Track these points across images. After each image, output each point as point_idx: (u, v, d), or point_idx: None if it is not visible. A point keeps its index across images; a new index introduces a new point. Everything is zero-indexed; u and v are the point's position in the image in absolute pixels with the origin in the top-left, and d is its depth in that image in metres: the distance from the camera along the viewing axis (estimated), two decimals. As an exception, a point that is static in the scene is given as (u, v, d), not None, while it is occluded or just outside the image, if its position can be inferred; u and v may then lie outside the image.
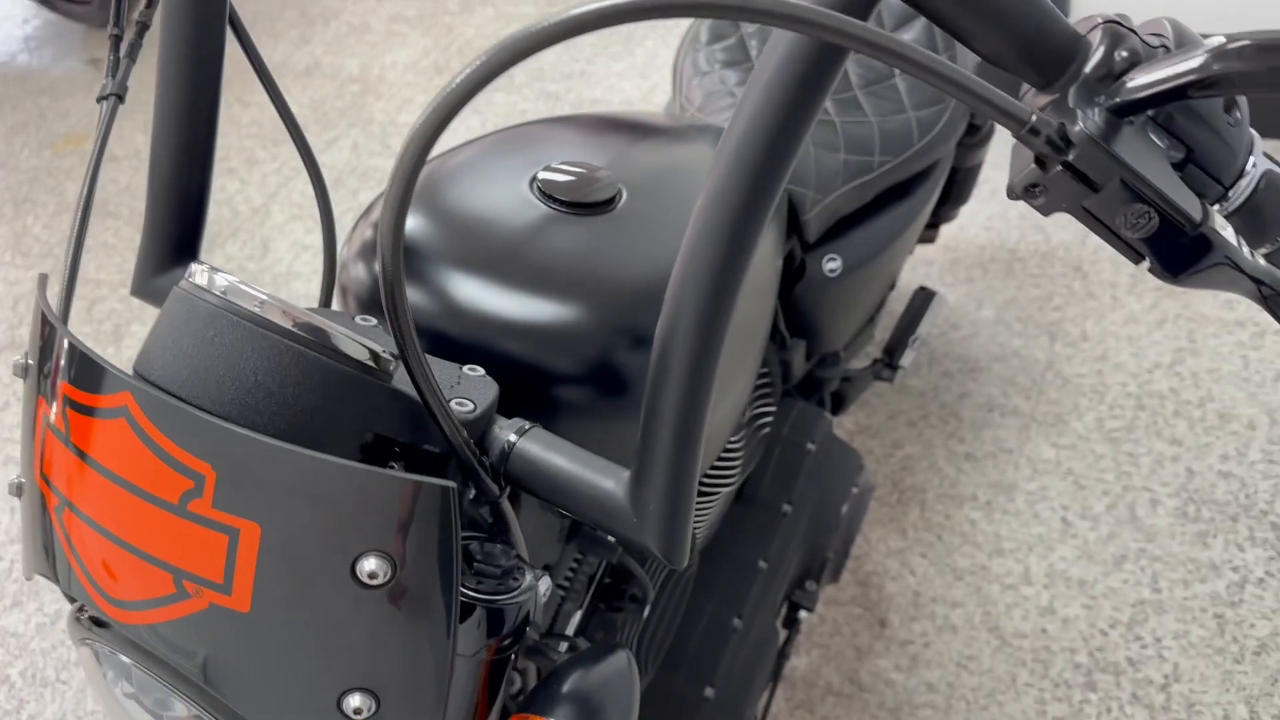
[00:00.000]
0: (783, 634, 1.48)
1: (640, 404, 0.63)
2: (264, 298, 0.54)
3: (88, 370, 0.53)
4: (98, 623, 0.60)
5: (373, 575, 0.52)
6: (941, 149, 1.40)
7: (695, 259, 0.53)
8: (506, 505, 0.63)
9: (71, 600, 0.65)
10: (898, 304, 1.83)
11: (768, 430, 1.32)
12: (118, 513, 0.51)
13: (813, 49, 0.48)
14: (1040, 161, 0.47)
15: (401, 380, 0.57)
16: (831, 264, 1.31)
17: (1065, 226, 2.33)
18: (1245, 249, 0.51)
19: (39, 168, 3.38)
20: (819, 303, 1.35)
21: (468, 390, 0.64)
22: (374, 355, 0.56)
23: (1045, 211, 0.49)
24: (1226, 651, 1.62)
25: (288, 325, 0.53)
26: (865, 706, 1.66)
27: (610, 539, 0.96)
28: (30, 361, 0.59)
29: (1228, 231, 0.50)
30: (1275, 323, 1.93)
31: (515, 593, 0.62)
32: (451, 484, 0.52)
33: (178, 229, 0.75)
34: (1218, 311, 2.09)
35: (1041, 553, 1.79)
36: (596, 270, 0.76)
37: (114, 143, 3.47)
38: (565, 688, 0.63)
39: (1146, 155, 0.47)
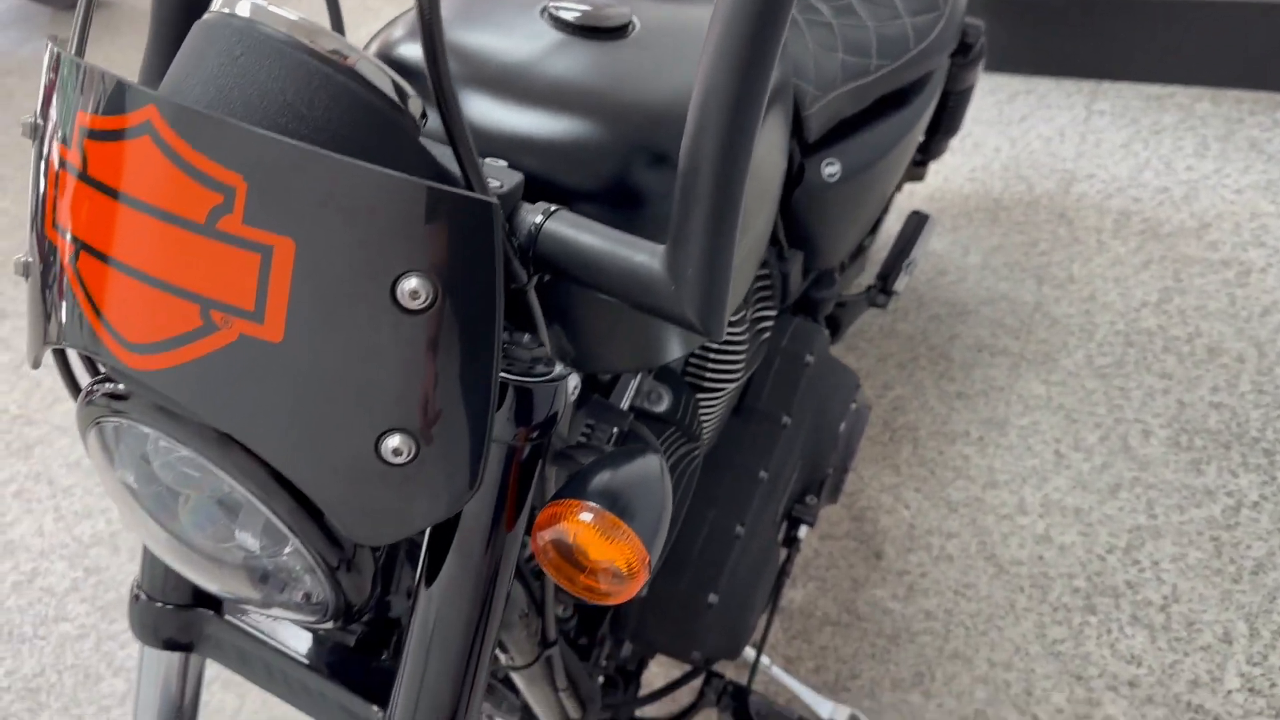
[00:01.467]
0: (783, 554, 1.46)
1: (659, 218, 0.60)
2: (294, 18, 0.51)
3: (107, 92, 0.50)
4: (114, 397, 0.57)
5: (415, 295, 0.49)
6: (936, 58, 1.40)
7: None
8: (533, 294, 0.61)
9: (77, 388, 0.62)
10: (886, 251, 1.82)
11: (768, 336, 1.30)
12: (140, 243, 0.48)
13: None
14: None
15: (429, 143, 0.55)
16: (830, 169, 1.30)
17: (1048, 176, 2.34)
18: None
19: (7, 144, 3.32)
20: (817, 210, 1.34)
21: (492, 175, 0.62)
22: (399, 91, 0.54)
23: None
24: (1224, 572, 1.62)
25: (317, 48, 0.51)
26: (863, 635, 1.64)
27: (622, 408, 0.94)
28: (39, 120, 0.56)
29: None
30: (1260, 262, 1.94)
31: (546, 378, 0.60)
32: (495, 200, 0.50)
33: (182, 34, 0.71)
34: (1202, 252, 2.10)
35: (1036, 484, 1.78)
36: (612, 86, 0.74)
37: None
38: (598, 481, 0.61)
39: None
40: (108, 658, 1.80)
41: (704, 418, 1.19)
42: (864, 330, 2.08)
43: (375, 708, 0.71)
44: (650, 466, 0.63)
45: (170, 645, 0.76)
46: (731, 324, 1.13)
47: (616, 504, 0.60)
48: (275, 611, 0.66)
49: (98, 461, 0.62)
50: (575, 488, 0.61)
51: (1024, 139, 2.45)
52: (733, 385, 1.20)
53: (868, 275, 1.96)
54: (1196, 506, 1.71)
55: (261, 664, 0.75)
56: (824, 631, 1.65)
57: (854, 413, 1.47)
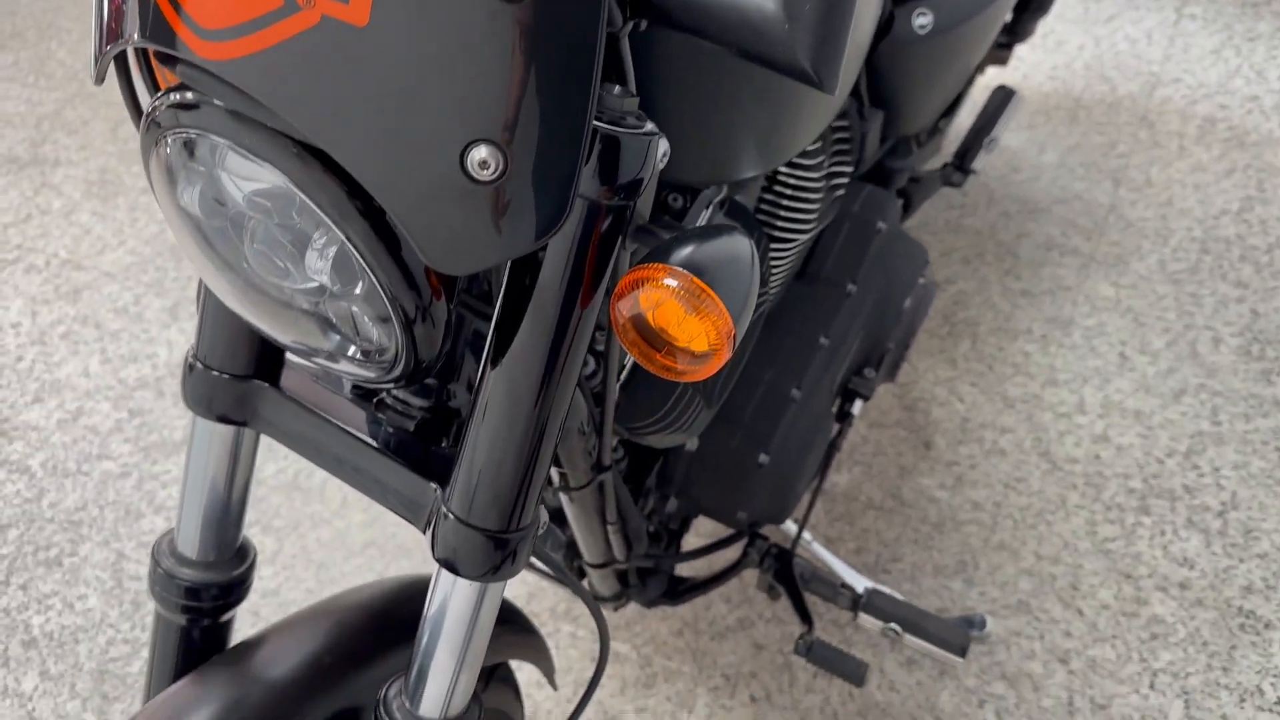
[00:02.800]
0: (835, 428, 1.43)
1: None
2: None
3: None
4: (182, 108, 0.53)
5: None
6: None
7: None
8: (625, 40, 0.56)
9: (140, 110, 0.58)
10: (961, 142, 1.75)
11: (841, 194, 1.25)
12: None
13: None
14: None
15: None
16: (922, 19, 1.23)
17: (1132, 78, 2.24)
18: None
19: (64, -8, 3.28)
20: (903, 65, 1.28)
21: None
22: None
23: None
24: (1287, 482, 1.57)
25: None
26: (907, 521, 1.61)
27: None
28: None
29: None
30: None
31: (638, 130, 0.56)
32: None
33: None
34: (1290, 164, 2.01)
35: (1097, 384, 1.73)
36: None
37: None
38: (685, 250, 0.57)
39: None
40: (149, 496, 1.82)
41: (772, 270, 1.15)
42: (929, 223, 2.01)
43: (433, 485, 0.68)
44: (741, 245, 0.59)
45: (224, 419, 0.74)
46: (807, 166, 1.08)
47: (704, 273, 0.57)
48: (339, 367, 0.63)
49: (161, 191, 0.59)
50: (660, 254, 0.57)
51: (1109, 39, 2.34)
52: (804, 237, 1.15)
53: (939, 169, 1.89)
54: (1263, 416, 1.65)
55: (316, 440, 0.73)
56: (867, 515, 1.63)
57: (921, 288, 1.42)
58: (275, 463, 1.80)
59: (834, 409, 1.38)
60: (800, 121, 0.87)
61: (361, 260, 0.56)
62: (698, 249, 0.58)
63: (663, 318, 0.60)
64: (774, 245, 1.14)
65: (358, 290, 0.58)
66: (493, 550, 0.66)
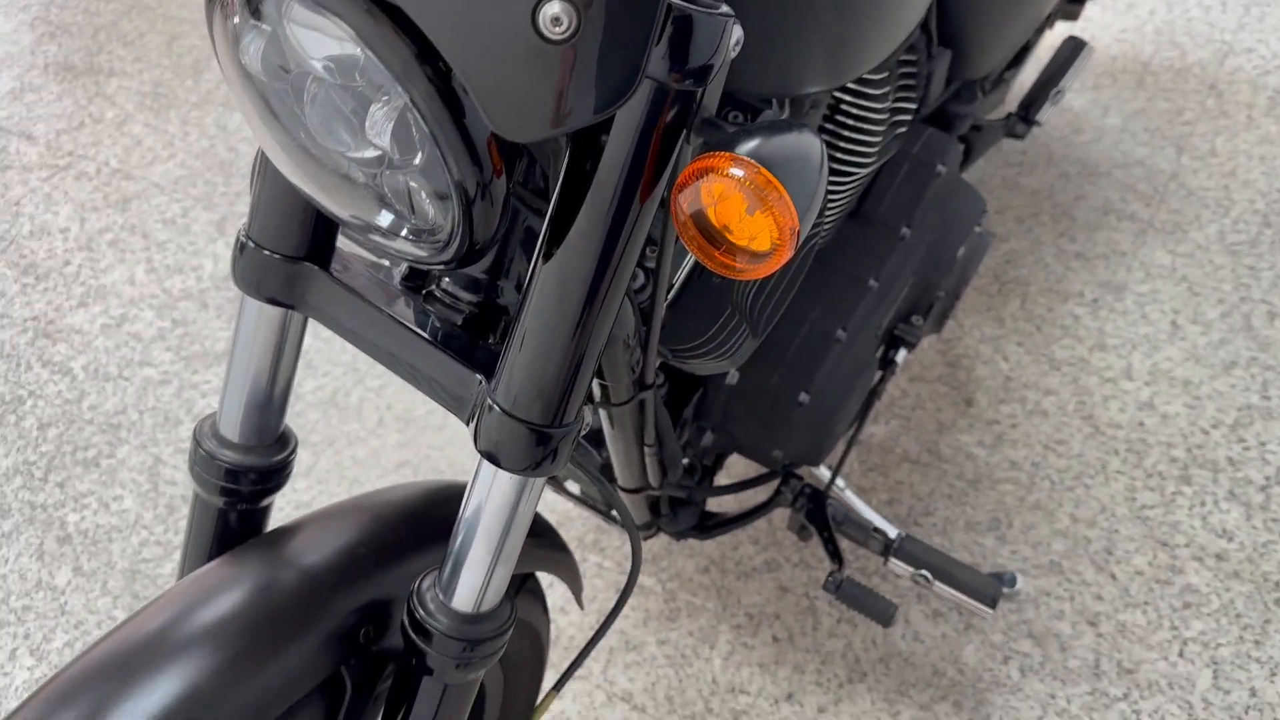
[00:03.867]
0: (877, 375, 1.41)
1: None
2: None
3: None
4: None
5: None
6: None
7: None
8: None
9: None
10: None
11: (903, 132, 1.22)
12: None
13: None
14: None
15: None
16: (997, -44, 1.20)
17: (1203, 45, 2.18)
18: None
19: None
20: (976, 4, 1.24)
21: None
22: None
23: None
24: (1336, 461, 1.54)
25: None
26: (942, 476, 1.60)
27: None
28: None
29: None
30: None
31: (713, 10, 0.54)
32: None
33: None
34: (1363, 140, 1.95)
35: (1146, 351, 1.70)
36: None
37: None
38: (752, 141, 0.55)
39: None
40: (188, 404, 1.83)
41: (827, 206, 1.13)
42: (985, 180, 1.97)
43: (478, 377, 0.68)
44: (811, 142, 0.57)
45: (272, 301, 0.74)
46: (871, 96, 1.05)
47: (772, 166, 0.55)
48: (392, 245, 0.63)
49: (224, 51, 0.58)
50: (727, 145, 0.55)
51: (1182, 4, 2.27)
52: (862, 172, 1.13)
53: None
54: (1317, 394, 1.62)
55: (363, 327, 0.72)
56: (901, 468, 1.61)
57: (976, 237, 1.40)
58: (314, 379, 1.81)
59: (878, 355, 1.36)
60: (872, 35, 0.85)
61: (424, 127, 0.55)
62: (766, 141, 0.56)
63: (725, 213, 0.59)
64: (830, 179, 1.12)
65: (417, 161, 0.57)
66: (535, 444, 0.66)
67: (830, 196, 1.13)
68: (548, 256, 0.62)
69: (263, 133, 0.61)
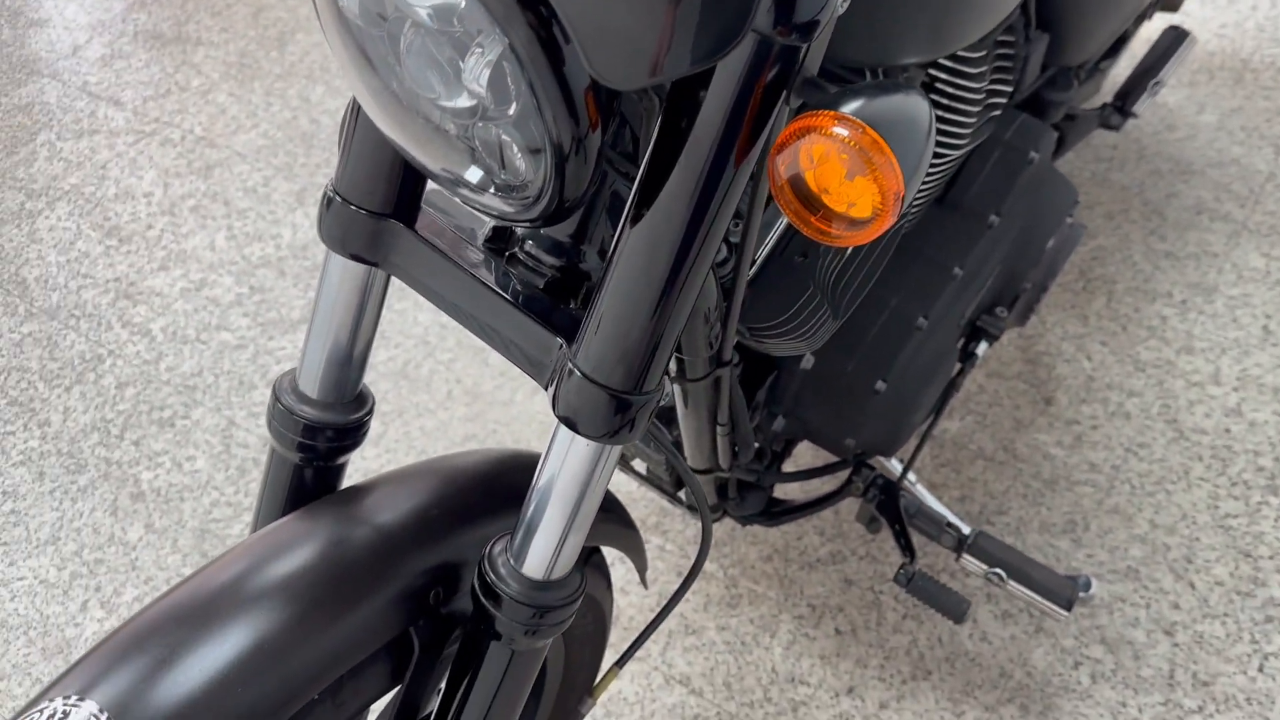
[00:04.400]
0: (957, 367, 1.38)
1: None
2: None
3: None
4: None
5: None
6: None
7: None
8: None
9: None
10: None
11: (997, 114, 1.18)
12: None
13: None
14: None
15: None
16: (1101, -63, 1.15)
17: (1311, 43, 2.10)
18: None
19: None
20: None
21: None
22: None
23: None
24: None
25: None
26: (1018, 475, 1.56)
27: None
28: None
29: None
30: None
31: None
32: None
33: None
34: None
35: (1236, 356, 1.64)
36: None
37: None
38: (857, 100, 0.53)
39: None
40: (263, 370, 1.86)
41: (920, 188, 1.10)
42: (1075, 174, 1.92)
43: (559, 341, 0.67)
44: (919, 104, 0.55)
45: (356, 257, 0.74)
46: (968, 75, 1.02)
47: (878, 126, 0.53)
48: (480, 199, 0.62)
49: (333, 32, 0.58)
50: (830, 104, 0.53)
51: (1289, 0, 2.19)
52: (954, 154, 1.10)
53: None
54: None
55: (445, 287, 0.71)
56: (975, 465, 1.58)
57: (1067, 229, 1.35)
58: (386, 350, 1.82)
59: (958, 346, 1.33)
60: (978, 5, 0.82)
61: (521, 75, 0.53)
62: (873, 100, 0.54)
63: (825, 177, 0.57)
64: (937, 162, 1.09)
65: (511, 112, 0.56)
66: (614, 411, 0.65)
67: (936, 170, 1.10)
68: (636, 219, 0.61)
69: (357, 82, 0.61)
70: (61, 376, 1.88)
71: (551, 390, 0.67)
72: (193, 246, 2.11)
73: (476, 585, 0.73)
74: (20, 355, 1.91)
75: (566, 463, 0.68)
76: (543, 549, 0.71)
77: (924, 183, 1.11)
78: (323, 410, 0.79)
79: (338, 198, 0.72)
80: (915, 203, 1.12)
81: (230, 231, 2.11)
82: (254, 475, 1.72)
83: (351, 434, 0.81)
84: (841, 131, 0.53)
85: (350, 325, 0.77)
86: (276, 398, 0.79)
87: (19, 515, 1.66)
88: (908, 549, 1.24)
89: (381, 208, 0.72)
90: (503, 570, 0.72)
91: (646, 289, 0.62)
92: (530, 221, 0.61)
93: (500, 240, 0.74)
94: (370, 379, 1.79)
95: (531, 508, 0.70)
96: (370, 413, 0.82)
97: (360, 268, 0.75)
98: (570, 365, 0.65)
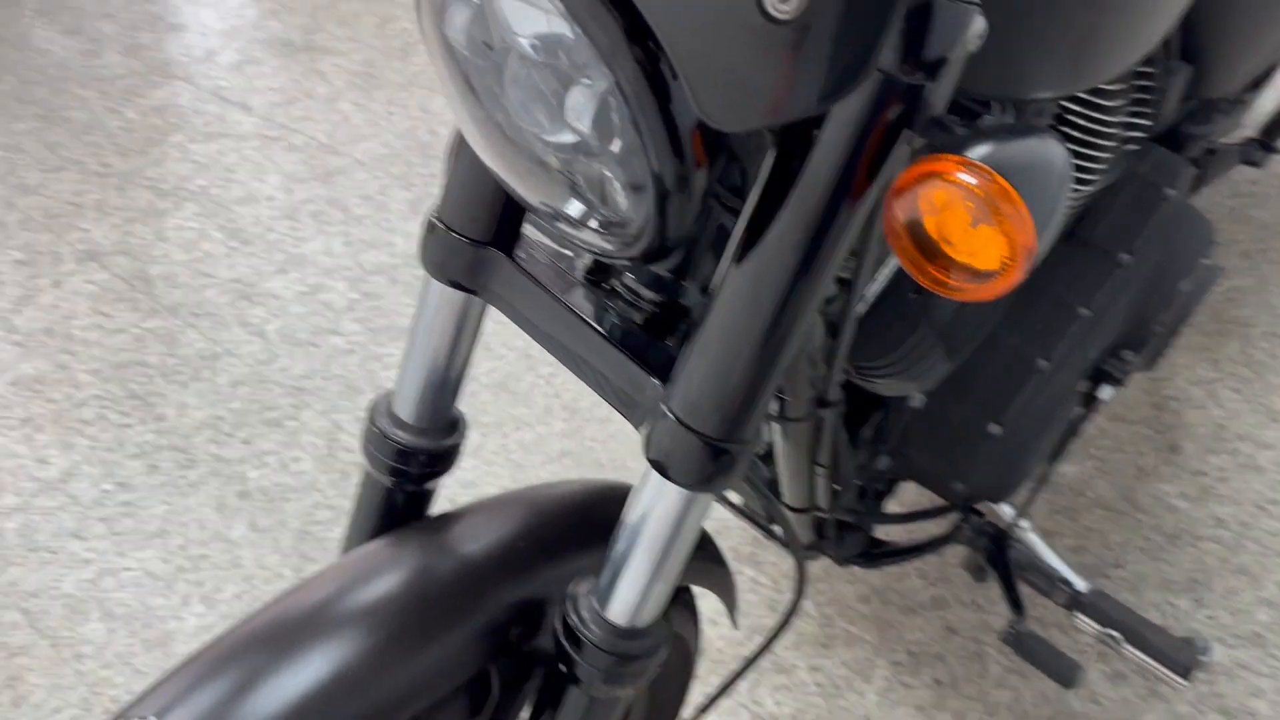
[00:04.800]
0: (1078, 412, 1.31)
1: None
2: None
3: None
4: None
5: None
6: None
7: None
8: None
9: None
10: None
11: (1134, 148, 1.12)
12: None
13: None
14: None
15: None
16: (1255, -35, 1.08)
17: None
18: None
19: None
20: (1224, 17, 1.13)
21: None
22: None
23: None
24: None
25: None
26: (1137, 526, 1.47)
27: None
28: None
29: None
30: None
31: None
32: None
33: None
34: None
35: (1386, 412, 1.53)
36: None
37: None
38: (986, 144, 0.50)
39: None
40: (371, 376, 1.88)
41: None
42: (1211, 209, 1.82)
43: (654, 381, 0.64)
44: (1054, 149, 0.51)
45: (455, 284, 0.73)
46: (1104, 109, 0.97)
47: (1008, 173, 0.49)
48: (580, 235, 0.60)
49: (428, 24, 0.57)
50: (955, 147, 0.50)
51: None
52: (1086, 190, 1.04)
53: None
54: None
55: (541, 318, 0.70)
56: (1093, 513, 1.50)
57: (1202, 270, 1.27)
58: (489, 361, 1.82)
59: (1081, 389, 1.26)
60: (1123, 36, 0.76)
61: (626, 112, 0.51)
62: (1003, 145, 0.50)
63: (947, 224, 0.53)
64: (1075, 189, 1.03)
65: (614, 148, 0.54)
66: (708, 458, 0.62)
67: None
68: (740, 258, 0.58)
69: (461, 110, 0.59)
70: (179, 373, 1.93)
71: (644, 432, 0.64)
72: (310, 251, 2.16)
73: (558, 627, 0.71)
74: (142, 350, 1.97)
75: (656, 508, 0.66)
76: (628, 595, 0.68)
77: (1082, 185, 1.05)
78: (416, 435, 0.78)
79: (440, 224, 0.71)
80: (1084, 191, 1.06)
81: (347, 238, 2.15)
82: (356, 480, 1.74)
83: (443, 459, 0.80)
84: (968, 179, 0.49)
85: (446, 352, 0.76)
86: (372, 420, 0.79)
87: (130, 506, 1.71)
88: (1016, 605, 1.18)
89: (482, 236, 0.71)
90: (585, 614, 0.70)
91: (748, 333, 0.59)
92: (629, 259, 0.59)
93: (599, 272, 0.72)
94: (471, 389, 1.81)
95: (618, 550, 0.68)
96: (463, 439, 0.81)
97: (458, 295, 0.74)
98: (664, 408, 0.62)
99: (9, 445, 1.81)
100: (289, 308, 2.04)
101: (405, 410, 0.78)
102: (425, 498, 0.82)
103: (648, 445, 0.64)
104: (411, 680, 0.70)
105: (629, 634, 0.69)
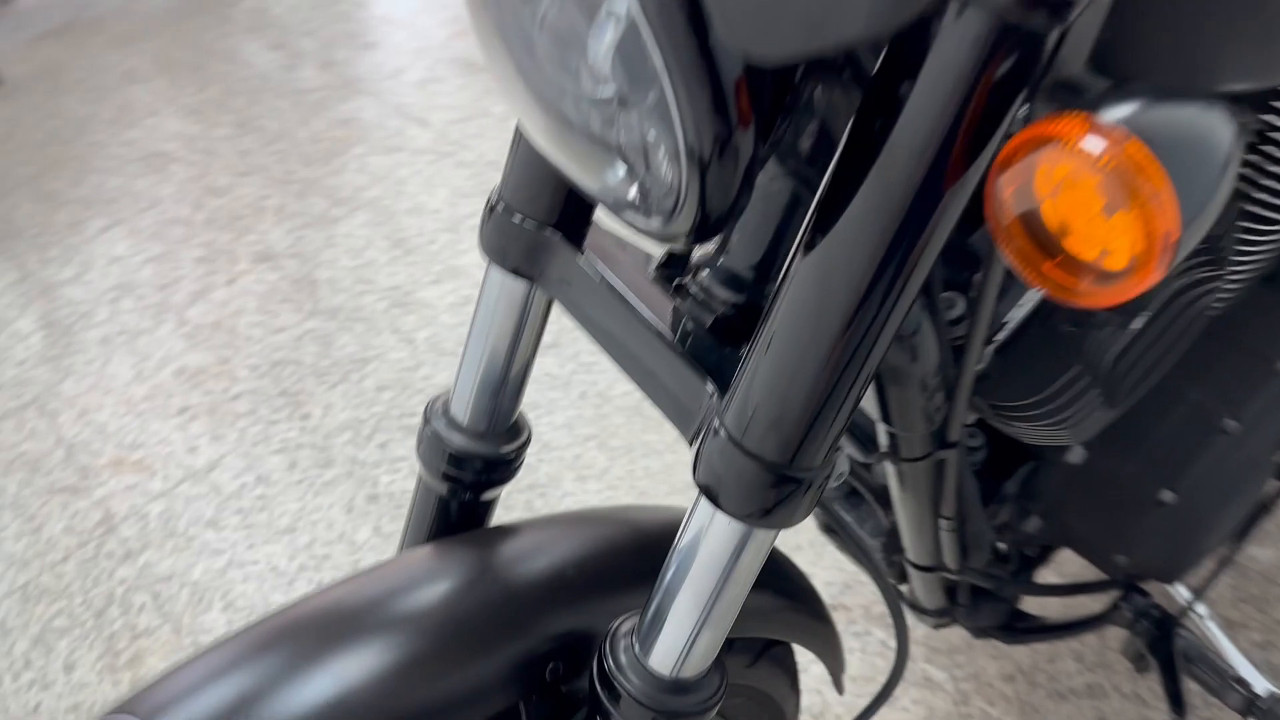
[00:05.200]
0: (1275, 485, 1.12)
1: None
2: None
3: None
4: None
5: None
6: None
7: None
8: None
9: None
10: None
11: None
12: None
13: None
14: None
15: None
16: None
17: None
18: None
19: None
20: None
21: None
22: None
23: None
24: None
25: None
26: (1347, 629, 1.25)
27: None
28: None
29: None
30: None
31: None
32: None
33: None
34: None
35: None
36: None
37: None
38: (1130, 105, 0.38)
39: None
40: (507, 390, 1.85)
41: (1239, 258, 0.88)
42: None
43: (710, 386, 0.55)
44: (1218, 120, 0.39)
45: (516, 271, 0.66)
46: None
47: (1153, 141, 0.38)
48: (624, 214, 0.51)
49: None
50: (1088, 104, 0.38)
51: None
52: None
53: None
54: None
55: (600, 314, 0.62)
56: (1291, 608, 1.29)
57: None
58: (625, 384, 1.76)
59: (1277, 460, 1.08)
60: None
61: (654, 44, 0.42)
62: (1150, 107, 0.39)
63: (1068, 205, 0.41)
64: (1247, 228, 0.88)
65: (650, 99, 0.45)
66: (766, 486, 0.52)
67: (1243, 249, 0.88)
68: (809, 247, 0.48)
69: (509, 89, 0.53)
70: (330, 374, 1.96)
71: (694, 448, 0.55)
72: (465, 263, 2.16)
73: (595, 671, 0.62)
74: (298, 349, 2.01)
75: (704, 541, 0.56)
76: (672, 641, 0.59)
77: (1248, 254, 0.89)
78: (472, 439, 0.71)
79: (501, 205, 0.64)
80: (1234, 278, 0.91)
81: (502, 252, 2.14)
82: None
83: (501, 468, 0.72)
84: (1096, 143, 0.38)
85: (507, 347, 0.69)
86: (427, 419, 0.72)
87: (266, 501, 1.73)
88: (1177, 704, 1.00)
89: (545, 217, 0.63)
90: (624, 659, 0.61)
91: (816, 339, 0.49)
92: (672, 239, 0.50)
93: (673, 266, 0.64)
94: (605, 412, 1.74)
95: (662, 588, 0.59)
96: (524, 446, 0.73)
97: (520, 285, 0.67)
98: (716, 422, 0.52)
99: (165, 432, 1.87)
100: (440, 317, 2.04)
101: (462, 411, 0.71)
102: (483, 508, 0.75)
103: (696, 465, 0.54)
104: (435, 707, 0.62)
105: (671, 687, 0.60)
